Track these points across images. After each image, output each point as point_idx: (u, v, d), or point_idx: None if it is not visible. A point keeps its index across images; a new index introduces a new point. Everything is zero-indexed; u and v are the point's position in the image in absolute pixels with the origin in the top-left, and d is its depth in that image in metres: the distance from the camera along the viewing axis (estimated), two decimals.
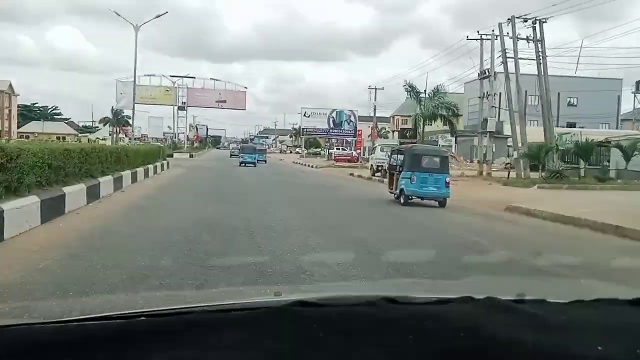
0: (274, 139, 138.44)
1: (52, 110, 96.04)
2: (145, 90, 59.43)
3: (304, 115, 55.04)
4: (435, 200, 12.85)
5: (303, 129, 55.88)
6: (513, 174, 23.04)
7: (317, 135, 60.93)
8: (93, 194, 10.81)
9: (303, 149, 78.35)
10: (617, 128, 47.00)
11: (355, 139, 55.38)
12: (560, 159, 21.29)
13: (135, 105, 65.72)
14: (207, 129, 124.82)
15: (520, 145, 22.24)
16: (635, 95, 52.78)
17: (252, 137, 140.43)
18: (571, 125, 42.05)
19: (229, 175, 24.35)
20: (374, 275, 5.03)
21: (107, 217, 8.99)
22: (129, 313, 0.80)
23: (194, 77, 61.32)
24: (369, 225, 9.62)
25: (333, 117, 54.92)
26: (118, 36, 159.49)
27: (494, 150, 27.29)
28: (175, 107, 60.30)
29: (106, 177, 12.86)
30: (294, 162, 47.65)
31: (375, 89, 47.04)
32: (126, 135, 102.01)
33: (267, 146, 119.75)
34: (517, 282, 2.23)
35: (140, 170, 18.04)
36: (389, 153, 16.26)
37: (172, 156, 46.59)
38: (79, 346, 0.66)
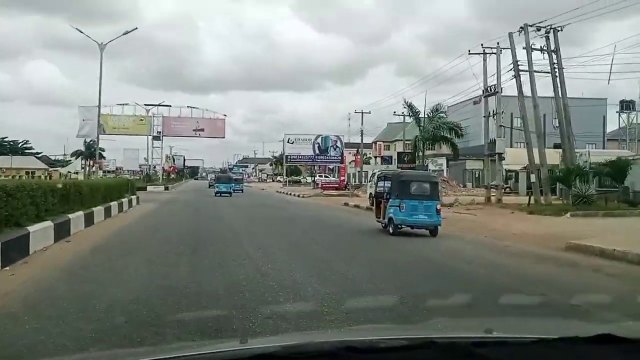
0: (253, 168, 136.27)
1: (22, 145, 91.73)
2: (117, 120, 56.04)
3: (288, 141, 52.14)
4: (426, 229, 12.11)
5: (287, 156, 52.77)
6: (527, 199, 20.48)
7: (302, 162, 57.99)
8: (10, 253, 7.49)
9: (284, 177, 75.46)
10: (603, 148, 45.78)
11: (341, 165, 52.69)
12: (590, 182, 18.74)
13: (108, 136, 62.46)
14: (185, 159, 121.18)
15: (539, 167, 19.69)
16: (620, 115, 52.07)
17: (232, 166, 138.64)
18: (557, 146, 40.73)
19: (207, 210, 21.11)
20: None
21: (11, 298, 5.67)
22: None
23: (170, 105, 58.24)
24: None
25: (318, 143, 52.13)
26: (93, 69, 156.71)
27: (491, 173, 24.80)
28: (150, 137, 56.80)
29: (41, 223, 9.59)
30: (277, 191, 44.56)
31: (362, 112, 44.73)
32: (100, 168, 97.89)
33: (246, 175, 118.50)
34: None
35: (98, 210, 14.74)
36: (374, 180, 15.57)
37: (145, 189, 43.10)
38: None
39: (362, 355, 0.84)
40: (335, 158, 52.95)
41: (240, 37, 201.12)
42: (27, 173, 76.63)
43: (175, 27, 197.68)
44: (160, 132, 57.46)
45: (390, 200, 12.12)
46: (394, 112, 42.60)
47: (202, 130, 58.94)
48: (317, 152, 52.01)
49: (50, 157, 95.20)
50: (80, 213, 12.70)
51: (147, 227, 13.95)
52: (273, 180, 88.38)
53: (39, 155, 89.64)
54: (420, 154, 30.62)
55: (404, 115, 31.35)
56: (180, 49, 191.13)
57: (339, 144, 52.69)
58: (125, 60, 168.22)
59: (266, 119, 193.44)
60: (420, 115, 30.56)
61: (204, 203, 25.82)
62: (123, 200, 19.44)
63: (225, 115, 61.21)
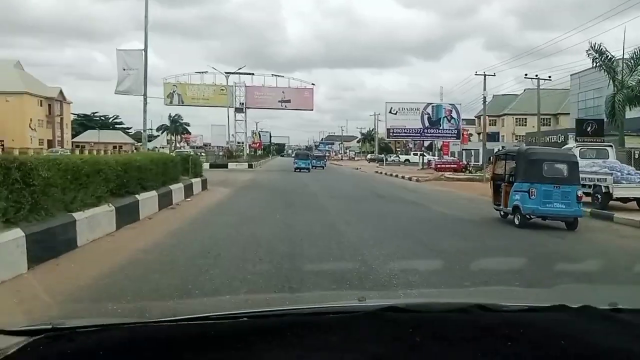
0: (339, 144, 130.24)
1: (113, 120, 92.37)
2: (197, 90, 50.63)
3: (390, 111, 42.91)
4: (563, 221, 9.97)
5: (389, 129, 43.53)
6: None
7: (407, 137, 48.51)
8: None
9: (375, 154, 66.95)
10: None
11: (458, 140, 42.83)
12: None
13: (187, 107, 57.75)
14: (271, 135, 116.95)
15: None
16: None
17: (317, 143, 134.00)
18: None
19: (309, 204, 13.49)
20: None
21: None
22: (233, 314, 0.82)
23: (252, 74, 51.76)
24: None
25: (428, 114, 42.35)
26: (182, 49, 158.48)
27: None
28: (232, 110, 50.86)
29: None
30: (377, 172, 36.25)
31: (485, 74, 34.44)
32: (187, 144, 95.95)
33: (332, 152, 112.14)
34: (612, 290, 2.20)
35: (98, 213, 7.42)
36: (493, 158, 12.49)
37: (226, 166, 37.05)
38: (193, 344, 0.68)
39: (491, 314, 0.80)
40: (450, 132, 42.87)
41: (323, 14, 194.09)
42: (114, 147, 76.01)
43: (259, 6, 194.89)
44: (243, 104, 51.29)
45: (516, 184, 10.18)
46: (525, 75, 32.29)
47: (289, 101, 51.93)
48: (427, 124, 42.26)
49: (142, 132, 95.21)
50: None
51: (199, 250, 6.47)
52: (359, 159, 79.37)
53: (130, 131, 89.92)
54: (617, 122, 20.14)
55: (595, 59, 20.76)
56: (264, 28, 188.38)
57: (454, 114, 42.44)
58: (211, 41, 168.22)
59: (348, 96, 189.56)
60: (616, 67, 20.11)
61: (299, 192, 17.98)
62: (173, 187, 12.22)
63: (313, 85, 53.71)
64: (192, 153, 23.80)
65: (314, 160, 39.22)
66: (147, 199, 9.44)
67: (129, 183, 8.67)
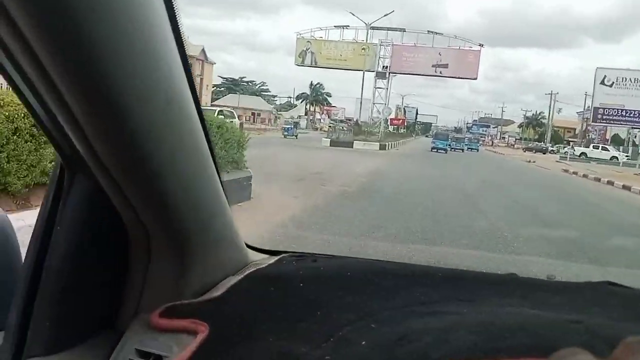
0: (495, 128, 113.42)
1: (260, 86, 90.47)
2: (334, 48, 42.08)
3: (603, 82, 28.86)
4: None
5: (597, 108, 29.45)
6: None
7: (627, 122, 32.45)
8: None
9: (539, 144, 52.23)
10: None
11: None
12: None
13: (327, 73, 49.63)
14: (417, 112, 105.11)
15: None
16: None
17: (470, 124, 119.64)
18: None
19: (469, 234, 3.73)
20: None
21: None
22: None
23: (404, 30, 41.35)
24: None
25: None
26: (326, 6, 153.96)
27: None
28: (367, 73, 41.34)
29: None
30: (567, 171, 23.69)
31: None
32: (329, 117, 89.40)
33: (488, 137, 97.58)
34: None
35: None
36: None
37: (351, 145, 27.93)
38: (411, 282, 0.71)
39: None
40: None
41: None
42: (252, 114, 72.78)
43: None
44: (386, 67, 41.43)
45: None
46: None
47: (445, 66, 40.57)
48: None
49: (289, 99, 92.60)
50: None
51: None
52: (520, 147, 63.52)
53: (275, 99, 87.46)
54: None
55: None
56: (426, 3, 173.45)
57: None
58: (366, 13, 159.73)
59: (508, 77, 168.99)
60: None
61: (458, 219, 7.79)
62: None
63: (481, 46, 41.28)
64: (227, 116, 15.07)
65: (454, 142, 39.94)
66: None
67: None
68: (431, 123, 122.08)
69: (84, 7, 0.44)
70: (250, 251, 0.88)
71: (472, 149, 43.79)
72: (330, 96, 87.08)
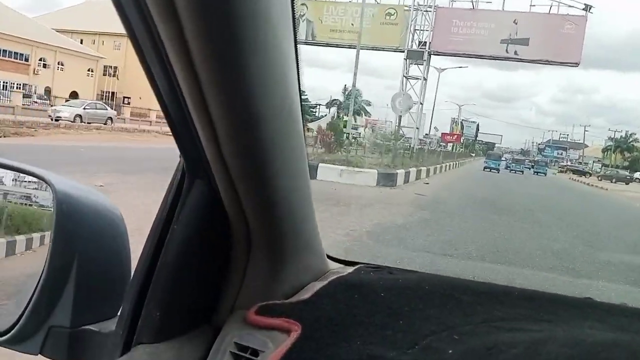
0: (573, 152, 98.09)
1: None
2: (341, 12, 27.05)
3: None
4: None
5: None
6: None
7: None
8: None
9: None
10: None
11: None
12: None
13: (322, 47, 33.96)
14: (478, 127, 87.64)
15: None
16: None
17: (542, 146, 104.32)
18: None
19: None
20: None
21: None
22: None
23: None
24: None
25: None
26: None
27: None
28: (403, 55, 25.83)
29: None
30: None
31: None
32: (373, 130, 74.21)
33: (567, 161, 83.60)
34: None
35: None
36: None
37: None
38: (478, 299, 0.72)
39: None
40: None
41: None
42: None
43: None
44: (424, 44, 25.86)
45: None
46: None
47: (525, 42, 24.42)
48: None
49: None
50: None
51: None
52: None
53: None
54: None
55: None
56: None
57: None
58: None
59: (578, 100, 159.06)
60: None
61: None
62: None
63: (586, 9, 24.71)
64: None
65: (513, 164, 45.43)
66: None
67: None
68: (494, 143, 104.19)
69: (243, 14, 0.45)
70: (327, 259, 0.92)
71: (539, 172, 44.45)
72: (370, 105, 71.57)
